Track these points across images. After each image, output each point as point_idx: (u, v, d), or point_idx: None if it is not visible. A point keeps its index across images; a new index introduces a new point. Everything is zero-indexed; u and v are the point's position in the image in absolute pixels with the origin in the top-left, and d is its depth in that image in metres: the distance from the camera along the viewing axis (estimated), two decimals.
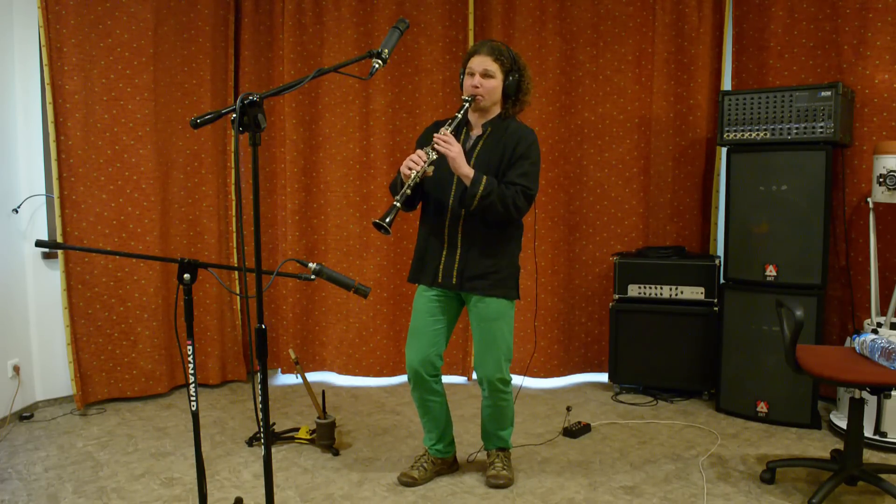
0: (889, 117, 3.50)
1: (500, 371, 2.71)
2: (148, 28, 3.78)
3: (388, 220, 2.41)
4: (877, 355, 2.55)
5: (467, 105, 2.62)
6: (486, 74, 2.63)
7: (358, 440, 3.32)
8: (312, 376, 4.35)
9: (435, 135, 2.56)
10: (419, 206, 2.80)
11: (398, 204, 2.46)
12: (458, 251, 2.66)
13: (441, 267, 2.68)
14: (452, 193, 2.66)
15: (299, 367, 3.20)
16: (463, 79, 2.69)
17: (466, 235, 2.65)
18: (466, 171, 2.54)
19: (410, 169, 2.49)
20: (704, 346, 3.78)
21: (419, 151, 2.54)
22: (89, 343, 3.74)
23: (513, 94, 2.69)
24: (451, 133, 2.56)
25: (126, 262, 3.82)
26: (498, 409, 2.79)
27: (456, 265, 2.66)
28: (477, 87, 2.63)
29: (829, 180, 3.30)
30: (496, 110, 2.72)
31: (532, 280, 4.05)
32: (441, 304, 2.75)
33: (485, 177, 2.55)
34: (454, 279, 2.66)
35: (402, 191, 2.48)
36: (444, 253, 2.68)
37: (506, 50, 2.67)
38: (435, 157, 2.52)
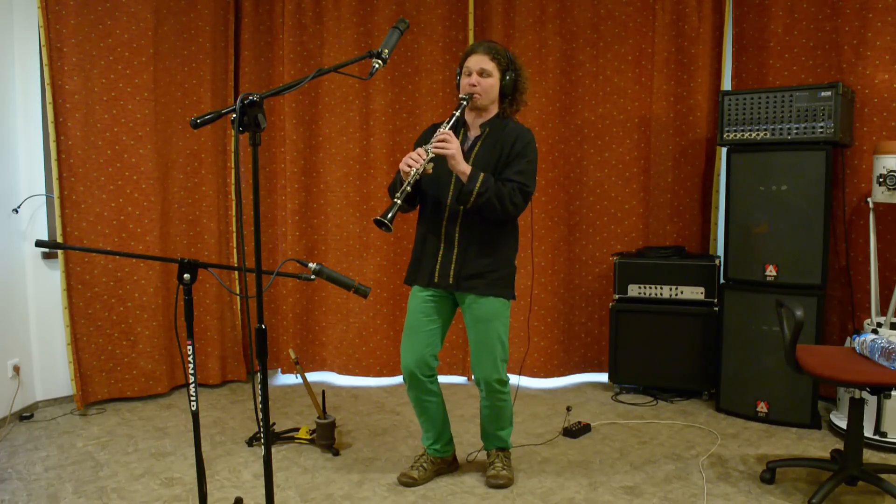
0: (889, 117, 3.50)
1: (496, 372, 2.70)
2: (148, 28, 3.78)
3: (389, 216, 2.41)
4: (877, 355, 2.55)
5: (465, 103, 2.63)
6: (483, 73, 2.63)
7: (358, 440, 3.32)
8: (312, 376, 4.35)
9: (436, 134, 2.56)
10: (418, 207, 2.80)
11: (399, 201, 2.46)
12: (456, 250, 2.66)
13: (438, 267, 2.68)
14: (450, 192, 2.66)
15: (299, 367, 3.20)
16: (459, 79, 2.70)
17: (464, 234, 2.65)
18: (464, 168, 2.55)
19: (410, 167, 2.50)
20: (704, 346, 3.78)
21: (419, 150, 2.55)
22: (89, 343, 3.74)
23: (509, 93, 2.70)
24: (449, 131, 2.56)
25: (126, 262, 3.82)
26: (496, 409, 2.79)
27: (453, 265, 2.66)
28: (474, 86, 2.63)
29: (829, 180, 3.30)
30: (493, 110, 2.72)
31: (529, 279, 4.05)
32: (436, 305, 2.74)
33: (482, 174, 2.55)
34: (451, 279, 2.66)
35: (403, 188, 2.48)
36: (441, 252, 2.68)
37: (502, 49, 2.69)
38: (434, 154, 2.52)
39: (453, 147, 2.53)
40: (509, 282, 2.72)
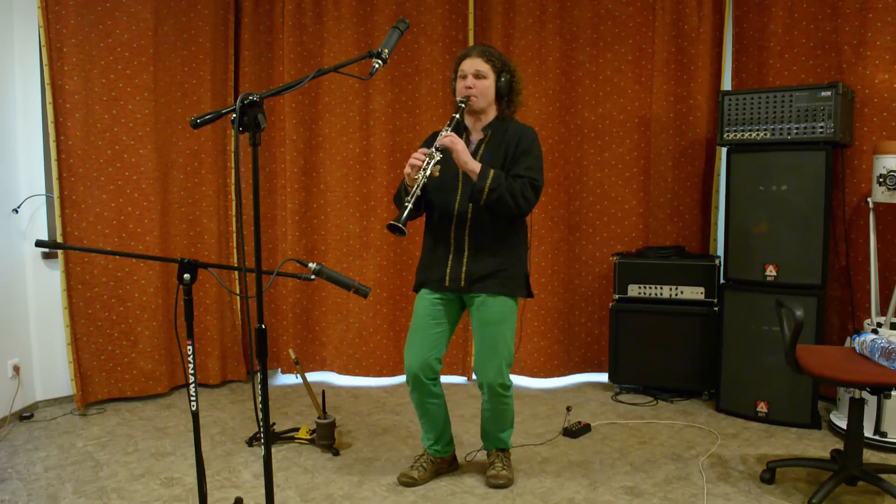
0: (889, 117, 3.50)
1: (500, 376, 2.70)
2: (148, 28, 3.78)
3: (403, 218, 2.41)
4: (877, 355, 2.55)
5: (463, 106, 2.64)
6: (478, 75, 2.65)
7: (358, 440, 3.32)
8: (312, 376, 4.35)
9: (439, 137, 2.56)
10: (423, 215, 2.81)
11: (409, 205, 2.45)
12: (466, 254, 2.67)
13: (448, 271, 2.69)
14: (458, 199, 2.66)
15: (299, 367, 3.21)
16: (455, 84, 2.71)
17: (473, 239, 2.66)
18: (473, 165, 2.55)
19: (414, 167, 2.50)
20: (704, 346, 3.77)
21: (422, 150, 2.55)
22: (89, 343, 3.74)
23: (505, 94, 2.72)
24: (451, 132, 2.56)
25: (126, 262, 3.82)
26: (498, 412, 2.78)
27: (463, 268, 2.66)
28: (470, 88, 2.64)
29: (829, 180, 3.30)
30: (492, 112, 2.73)
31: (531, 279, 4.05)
32: (442, 308, 2.74)
33: (492, 170, 2.56)
34: (462, 282, 2.67)
35: (413, 191, 2.47)
36: (451, 257, 2.68)
37: (496, 52, 2.71)
38: (439, 157, 2.52)
39: (460, 144, 2.54)
40: (521, 280, 2.73)
